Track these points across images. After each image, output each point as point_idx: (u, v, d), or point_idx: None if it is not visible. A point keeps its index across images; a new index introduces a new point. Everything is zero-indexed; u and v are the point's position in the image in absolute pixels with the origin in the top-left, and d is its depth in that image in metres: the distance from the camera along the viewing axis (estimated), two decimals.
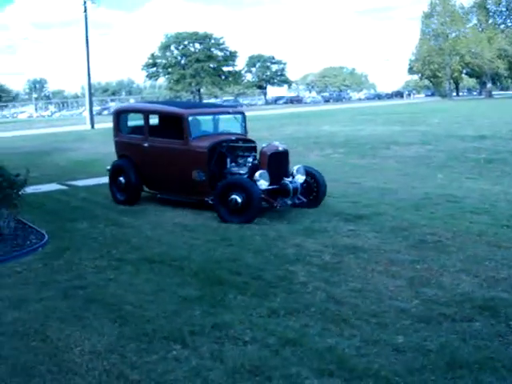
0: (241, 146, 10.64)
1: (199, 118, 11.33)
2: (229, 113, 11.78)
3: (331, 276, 6.51)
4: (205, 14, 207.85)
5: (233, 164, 10.46)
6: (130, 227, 9.35)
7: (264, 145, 10.27)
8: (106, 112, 77.65)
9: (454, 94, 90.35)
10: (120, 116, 12.36)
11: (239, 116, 11.70)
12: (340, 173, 14.57)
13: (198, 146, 10.43)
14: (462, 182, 12.73)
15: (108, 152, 22.13)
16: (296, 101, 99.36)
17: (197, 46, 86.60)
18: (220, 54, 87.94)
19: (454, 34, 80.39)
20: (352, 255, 7.30)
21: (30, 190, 9.86)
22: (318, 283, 6.26)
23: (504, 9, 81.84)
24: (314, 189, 10.39)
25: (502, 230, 8.32)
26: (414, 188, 12.04)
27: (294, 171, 10.13)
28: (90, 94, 45.82)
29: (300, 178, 10.10)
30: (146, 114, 11.57)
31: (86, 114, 45.52)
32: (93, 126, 41.79)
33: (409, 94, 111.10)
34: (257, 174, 9.61)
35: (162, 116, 11.91)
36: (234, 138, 10.81)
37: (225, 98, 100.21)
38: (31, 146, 27.16)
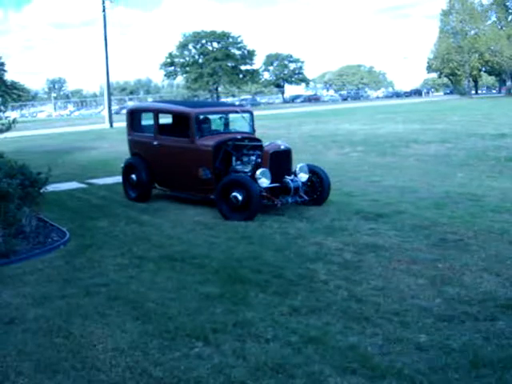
0: (246, 144, 10.75)
1: (206, 117, 11.54)
2: (236, 112, 11.87)
3: (352, 274, 6.50)
4: (222, 13, 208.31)
5: (238, 162, 10.59)
6: (150, 225, 9.39)
7: (266, 143, 10.39)
8: (124, 111, 78.13)
9: (473, 91, 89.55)
10: (133, 115, 12.68)
11: (247, 115, 11.78)
12: (360, 171, 14.53)
13: (204, 145, 10.63)
14: (483, 181, 12.63)
15: (127, 151, 22.35)
16: (314, 99, 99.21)
17: (214, 44, 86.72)
18: (238, 52, 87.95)
19: (472, 32, 79.65)
20: (373, 254, 7.27)
21: (50, 188, 9.93)
22: (339, 281, 6.25)
23: None
24: (319, 187, 10.47)
25: None
26: (434, 186, 11.97)
27: (297, 169, 10.24)
28: (109, 93, 46.06)
29: (303, 177, 10.23)
30: (156, 113, 11.76)
31: (105, 112, 45.74)
32: (111, 125, 42.03)
33: (427, 92, 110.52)
34: (258, 172, 9.77)
35: (171, 115, 12.31)
36: (239, 136, 11.00)
37: (242, 97, 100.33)
38: (51, 145, 27.41)
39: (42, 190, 9.25)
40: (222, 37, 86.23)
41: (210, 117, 11.72)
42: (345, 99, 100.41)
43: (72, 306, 5.78)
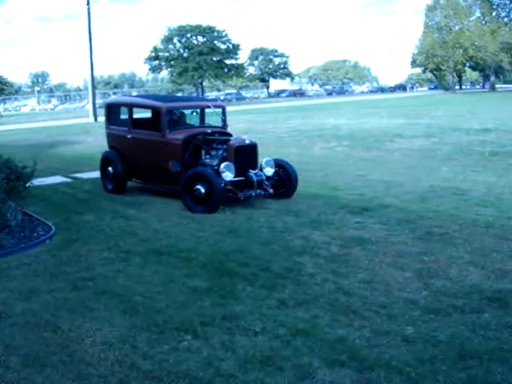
0: (215, 138, 10.92)
1: (177, 111, 11.68)
2: (208, 106, 11.96)
3: (339, 268, 6.53)
4: (207, 7, 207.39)
5: (207, 156, 10.74)
6: (136, 219, 9.36)
7: (232, 138, 10.65)
8: None
9: (457, 87, 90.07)
10: (110, 109, 12.95)
11: (219, 110, 11.93)
12: (345, 165, 14.59)
13: (174, 138, 10.80)
14: (467, 175, 12.73)
15: None
16: (299, 94, 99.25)
17: (199, 38, 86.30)
18: (223, 46, 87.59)
19: (457, 27, 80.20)
20: (359, 247, 7.31)
21: (35, 182, 9.85)
22: (326, 275, 6.28)
23: (508, 1, 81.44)
24: (286, 181, 10.64)
25: (508, 223, 8.32)
26: (420, 181, 12.05)
27: (263, 164, 10.39)
28: (94, 87, 45.76)
29: (269, 171, 10.37)
30: (130, 107, 11.94)
31: (89, 106, 45.45)
32: (96, 119, 41.76)
33: (412, 87, 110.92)
34: (222, 166, 9.96)
35: (143, 109, 12.36)
36: (209, 130, 11.20)
37: (227, 91, 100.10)
38: (35, 139, 27.20)
39: (27, 184, 9.18)
40: (207, 31, 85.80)
41: (181, 111, 11.90)
42: (330, 94, 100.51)
43: (59, 301, 5.76)
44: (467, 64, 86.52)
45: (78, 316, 5.35)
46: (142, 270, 6.68)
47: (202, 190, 9.64)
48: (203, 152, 10.80)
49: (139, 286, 6.10)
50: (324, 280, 6.11)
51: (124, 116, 12.38)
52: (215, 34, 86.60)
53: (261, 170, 10.33)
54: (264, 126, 27.56)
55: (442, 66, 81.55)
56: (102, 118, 41.51)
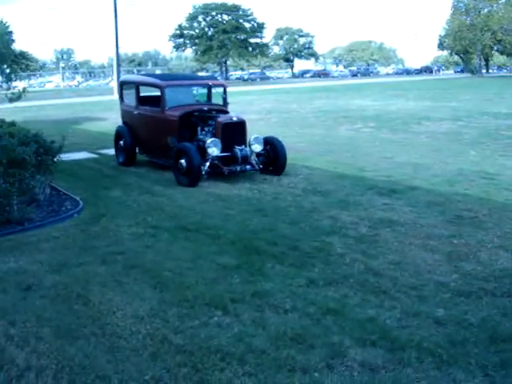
0: (211, 116, 11.33)
1: (177, 89, 12.26)
2: (208, 85, 12.58)
3: (368, 248, 6.49)
4: None
5: (202, 132, 11.19)
6: (162, 196, 9.41)
7: (221, 115, 11.16)
8: None
9: (484, 70, 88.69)
10: (122, 86, 13.84)
11: (220, 88, 12.55)
12: (372, 147, 14.45)
13: (171, 115, 11.38)
14: (496, 159, 12.53)
15: None
16: (323, 74, 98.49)
17: (224, 17, 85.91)
18: (248, 25, 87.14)
19: (486, 10, 78.69)
20: (388, 228, 7.26)
21: (62, 157, 9.90)
22: (356, 255, 6.25)
23: None
24: (274, 158, 10.96)
25: None
26: (447, 164, 11.90)
27: (251, 140, 10.77)
28: (118, 65, 45.85)
29: (256, 147, 10.77)
30: (137, 85, 12.72)
31: (114, 84, 45.53)
32: None
33: (438, 70, 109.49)
34: (208, 141, 10.41)
35: (147, 87, 12.86)
36: (206, 108, 11.70)
37: (251, 71, 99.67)
38: (60, 115, 27.36)
39: (55, 159, 9.23)
40: (233, 9, 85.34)
41: (181, 89, 12.48)
42: (354, 75, 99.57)
43: (89, 274, 5.81)
44: (495, 47, 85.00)
45: (109, 289, 5.39)
46: (170, 246, 6.71)
47: (184, 164, 10.18)
48: (199, 128, 11.28)
49: (168, 262, 6.12)
50: (353, 260, 6.08)
51: (133, 93, 12.93)
52: (240, 12, 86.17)
53: (249, 146, 10.72)
54: (289, 105, 27.44)
55: (470, 49, 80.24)
56: None
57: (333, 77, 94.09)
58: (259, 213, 8.12)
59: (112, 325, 4.65)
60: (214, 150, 10.33)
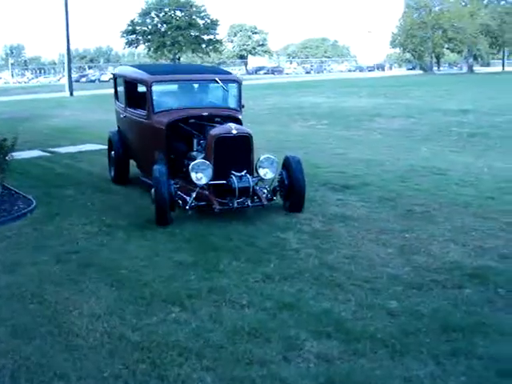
0: (212, 124, 8.27)
1: (169, 86, 9.52)
2: (214, 81, 9.21)
3: (322, 243, 6.60)
4: None
5: (199, 147, 8.33)
6: (117, 194, 9.35)
7: (216, 126, 8.08)
8: (84, 79, 76.92)
9: (436, 68, 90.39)
10: (116, 81, 10.80)
11: (233, 85, 9.38)
12: (325, 144, 14.64)
13: (158, 122, 8.59)
14: (446, 155, 12.86)
15: (89, 119, 22.09)
16: (277, 71, 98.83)
17: (177, 13, 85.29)
18: (201, 22, 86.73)
19: (437, 8, 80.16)
20: (342, 223, 7.39)
21: (14, 156, 9.73)
22: (310, 250, 6.35)
23: None
24: (289, 188, 8.00)
25: (486, 202, 8.45)
26: (399, 160, 12.15)
27: (259, 162, 7.82)
28: (70, 61, 45.14)
29: (267, 173, 7.85)
30: (124, 80, 10.00)
31: (65, 80, 44.86)
32: (72, 94, 41.22)
33: (390, 68, 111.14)
34: (192, 164, 7.48)
35: (133, 82, 9.90)
36: (206, 113, 8.66)
37: None
38: (11, 112, 26.74)
39: (7, 157, 9.07)
40: (186, 5, 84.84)
41: (174, 86, 9.59)
42: (308, 72, 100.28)
43: (44, 273, 5.77)
44: (446, 45, 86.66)
45: (64, 289, 5.37)
46: (126, 245, 6.70)
47: (153, 196, 7.43)
48: (195, 141, 8.45)
49: (124, 260, 6.12)
50: (308, 255, 6.19)
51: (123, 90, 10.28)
52: (193, 8, 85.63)
53: (256, 171, 7.86)
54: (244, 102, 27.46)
55: (421, 47, 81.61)
56: (77, 93, 41.19)
57: (286, 74, 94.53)
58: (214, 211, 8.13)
59: (68, 323, 4.64)
60: (200, 177, 7.43)
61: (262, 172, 7.80)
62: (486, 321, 4.62)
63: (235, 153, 7.76)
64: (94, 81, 75.50)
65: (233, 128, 7.77)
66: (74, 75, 63.82)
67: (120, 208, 8.40)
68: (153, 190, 7.40)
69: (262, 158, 7.80)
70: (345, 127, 18.04)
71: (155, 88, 8.82)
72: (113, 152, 10.24)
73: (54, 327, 4.58)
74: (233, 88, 9.36)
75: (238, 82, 9.46)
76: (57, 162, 12.67)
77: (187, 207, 7.41)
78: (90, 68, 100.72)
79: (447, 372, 3.91)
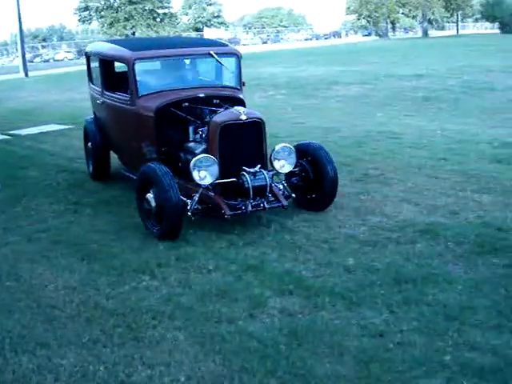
0: (211, 108, 6.90)
1: (154, 63, 8.03)
2: (209, 55, 7.70)
3: (282, 210, 6.88)
4: None
5: (196, 136, 6.90)
6: (81, 173, 9.45)
7: (220, 110, 6.62)
8: (38, 59, 75.41)
9: (391, 33, 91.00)
10: (89, 60, 9.24)
11: (231, 59, 7.91)
12: (284, 113, 14.92)
13: (145, 108, 7.16)
14: (401, 120, 13.27)
15: (47, 100, 21.86)
16: (233, 42, 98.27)
17: None
18: None
19: None
20: None
21: None
22: (271, 216, 6.65)
23: None
24: (315, 181, 6.76)
25: (439, 163, 8.87)
26: (356, 126, 12.50)
27: (273, 154, 6.52)
28: (23, 41, 44.19)
29: (284, 167, 6.56)
30: (100, 58, 8.44)
31: (18, 61, 43.97)
32: (26, 75, 40.45)
33: (346, 35, 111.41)
34: (192, 162, 6.05)
35: (111, 61, 8.50)
36: (202, 94, 7.23)
37: None
38: None
39: None
40: None
41: (163, 63, 8.04)
42: (265, 42, 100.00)
43: (17, 252, 5.99)
44: (401, 11, 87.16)
45: (38, 265, 5.60)
46: (93, 220, 6.92)
47: (153, 202, 6.07)
48: (191, 129, 7.00)
49: (93, 235, 6.36)
50: (269, 221, 6.51)
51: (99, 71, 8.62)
52: None
53: (271, 163, 6.59)
54: None
55: (376, 13, 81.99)
56: (33, 73, 40.46)
57: (243, 45, 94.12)
58: None
59: (45, 297, 4.89)
60: (204, 176, 6.04)
61: (277, 165, 6.50)
62: (436, 272, 5.02)
63: (246, 143, 6.42)
64: (48, 60, 74.06)
65: (242, 113, 6.31)
66: (28, 55, 62.56)
67: (84, 186, 8.58)
68: (150, 196, 6.11)
69: (277, 148, 6.51)
70: (303, 96, 18.31)
71: (138, 66, 7.32)
72: (89, 143, 8.93)
73: (32, 301, 4.82)
74: (231, 62, 7.91)
75: (237, 55, 7.94)
76: (18, 145, 12.66)
77: (188, 213, 6.03)
78: (43, 47, 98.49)
79: (400, 319, 4.28)
